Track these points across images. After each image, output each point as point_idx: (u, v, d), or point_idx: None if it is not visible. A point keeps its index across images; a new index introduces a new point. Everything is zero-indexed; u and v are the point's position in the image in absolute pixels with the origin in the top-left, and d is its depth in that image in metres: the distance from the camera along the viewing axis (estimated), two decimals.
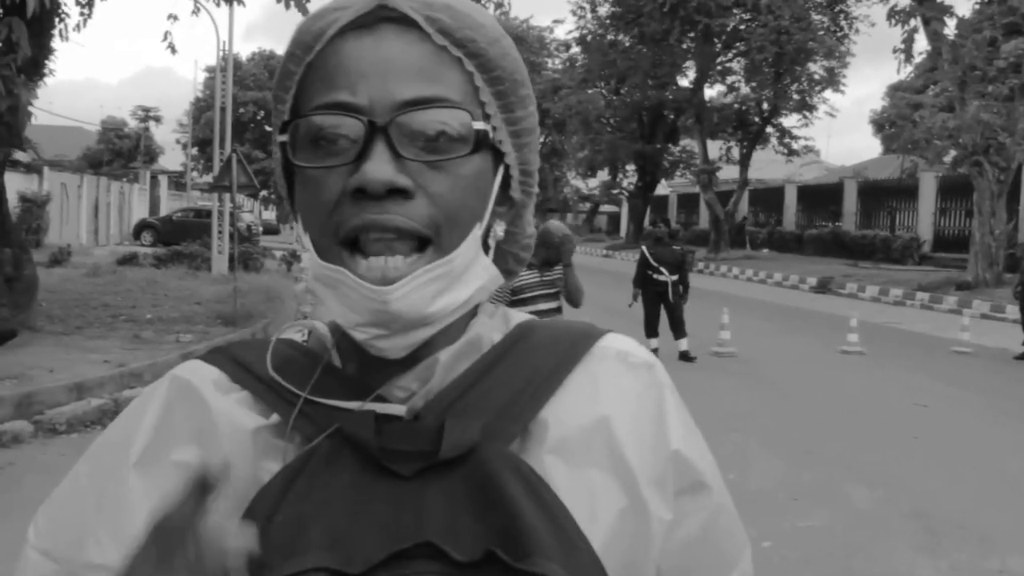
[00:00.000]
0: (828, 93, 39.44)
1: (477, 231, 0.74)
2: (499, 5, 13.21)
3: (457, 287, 0.73)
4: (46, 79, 10.56)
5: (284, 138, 0.74)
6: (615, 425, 0.75)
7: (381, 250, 0.70)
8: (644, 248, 12.13)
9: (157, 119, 63.94)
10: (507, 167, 0.79)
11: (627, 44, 42.27)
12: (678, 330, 11.87)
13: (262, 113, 69.57)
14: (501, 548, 0.65)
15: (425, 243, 0.71)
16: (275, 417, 0.75)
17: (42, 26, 9.45)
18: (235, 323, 12.22)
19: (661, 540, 0.74)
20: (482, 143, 0.73)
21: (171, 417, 0.77)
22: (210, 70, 60.43)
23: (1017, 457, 7.56)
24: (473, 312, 0.80)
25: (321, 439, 0.71)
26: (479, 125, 0.73)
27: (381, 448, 0.70)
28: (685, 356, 11.74)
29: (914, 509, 5.97)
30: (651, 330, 11.76)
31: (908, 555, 5.18)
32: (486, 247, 0.78)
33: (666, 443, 0.77)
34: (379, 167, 0.68)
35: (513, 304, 5.41)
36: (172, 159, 67.27)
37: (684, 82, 42.52)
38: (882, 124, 53.28)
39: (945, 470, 7.05)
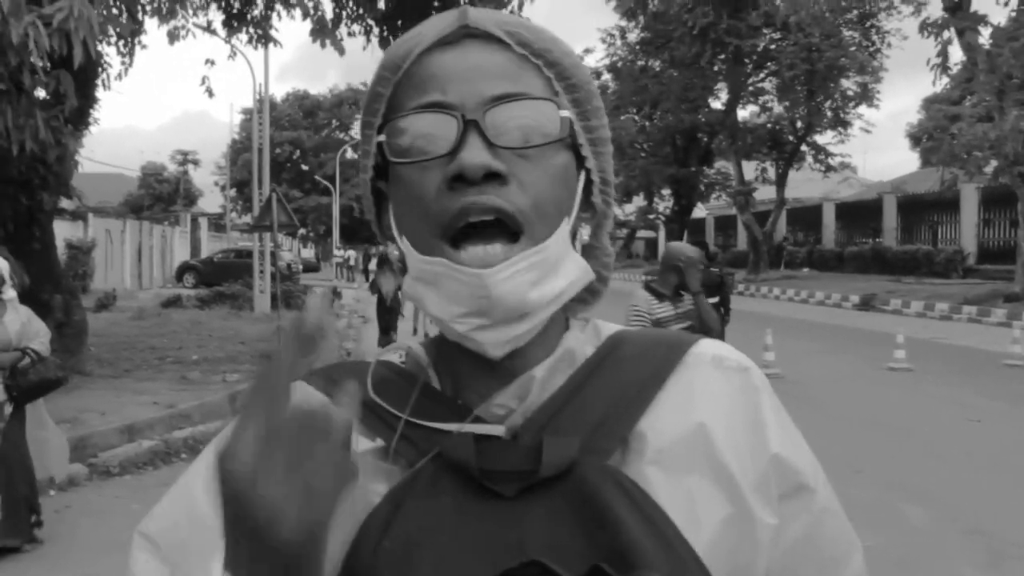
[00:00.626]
0: (862, 109, 39.21)
1: (566, 225, 0.76)
2: None
3: (552, 278, 0.74)
4: (90, 128, 10.84)
5: (382, 138, 0.77)
6: (712, 431, 0.75)
7: (480, 241, 0.72)
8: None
9: (195, 162, 65.14)
10: (588, 172, 0.81)
11: (658, 69, 42.41)
12: None
13: (297, 152, 70.54)
14: (606, 563, 0.66)
15: (518, 235, 0.73)
16: (379, 440, 0.77)
17: (87, 77, 9.73)
18: None
19: (767, 547, 0.74)
20: (568, 132, 0.77)
21: None
22: (246, 112, 61.55)
23: None
24: (566, 326, 0.82)
25: (424, 463, 0.73)
26: (564, 113, 0.76)
27: (481, 469, 0.71)
28: None
29: (971, 527, 5.86)
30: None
31: (968, 573, 5.09)
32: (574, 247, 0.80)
33: (765, 447, 0.77)
34: (475, 153, 0.71)
35: None
36: (211, 201, 68.42)
37: (716, 104, 42.51)
38: (919, 137, 52.72)
39: (1001, 487, 6.92)
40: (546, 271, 0.74)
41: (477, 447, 0.72)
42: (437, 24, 0.78)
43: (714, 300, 11.51)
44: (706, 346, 0.82)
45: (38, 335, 5.71)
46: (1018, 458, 7.85)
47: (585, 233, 0.82)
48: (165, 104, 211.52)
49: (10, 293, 5.73)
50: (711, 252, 11.01)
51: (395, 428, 0.76)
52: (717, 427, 0.76)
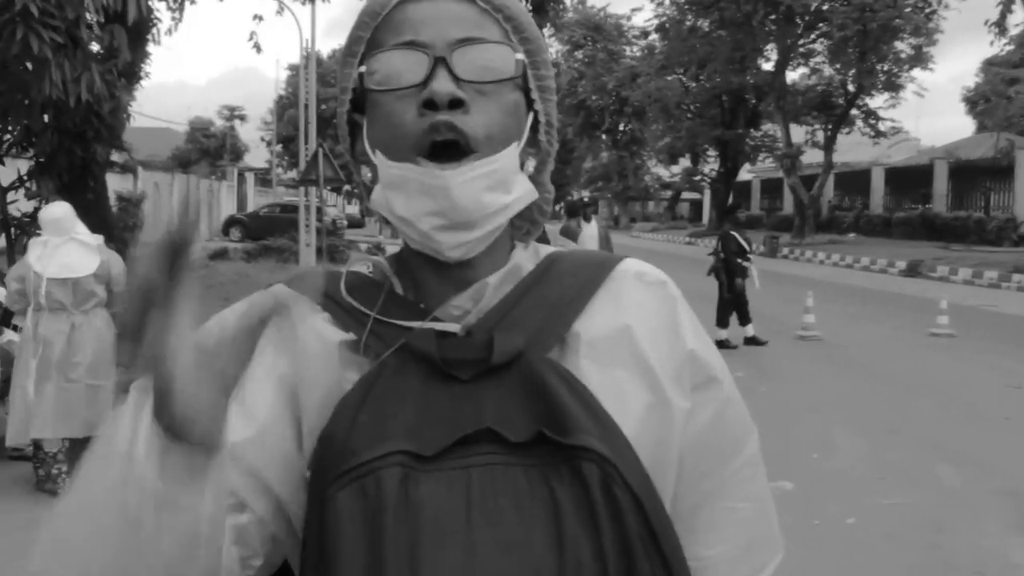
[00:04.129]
0: (916, 72, 38.30)
1: (515, 149, 0.89)
2: None
3: (501, 190, 0.87)
4: (142, 82, 11.04)
5: (363, 68, 0.89)
6: (636, 332, 0.89)
7: (443, 157, 0.84)
8: (736, 234, 11.84)
9: (242, 118, 65.70)
10: (535, 113, 0.94)
11: (707, 29, 41.75)
12: (744, 316, 11.70)
13: None
14: (548, 430, 0.79)
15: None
16: (351, 335, 0.89)
17: (139, 32, 9.90)
18: None
19: (681, 427, 0.88)
20: (521, 73, 0.90)
21: (279, 332, 0.89)
22: (292, 68, 61.70)
23: None
24: (512, 246, 0.96)
25: (390, 353, 0.86)
26: (519, 56, 0.90)
27: (442, 358, 0.84)
28: (755, 340, 11.56)
29: (1004, 488, 5.89)
30: (725, 320, 11.53)
31: (999, 532, 5.14)
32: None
33: (683, 345, 0.91)
34: (443, 84, 0.84)
35: None
36: (257, 156, 69.01)
37: (766, 66, 41.80)
38: (975, 101, 51.51)
39: None
40: (497, 182, 0.86)
41: (437, 342, 0.85)
42: None
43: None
44: (630, 263, 0.96)
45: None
46: None
47: (530, 165, 0.93)
48: (214, 59, 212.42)
49: (86, 235, 5.80)
50: (571, 205, 10.90)
51: (365, 324, 0.89)
52: (640, 328, 0.90)
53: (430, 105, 0.84)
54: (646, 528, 0.78)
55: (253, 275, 17.56)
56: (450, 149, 0.84)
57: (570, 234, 9.42)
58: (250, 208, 43.39)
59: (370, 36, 0.92)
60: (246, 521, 0.84)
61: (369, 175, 0.94)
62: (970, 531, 5.16)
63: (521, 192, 0.90)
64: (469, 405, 0.81)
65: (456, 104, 0.84)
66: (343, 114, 0.95)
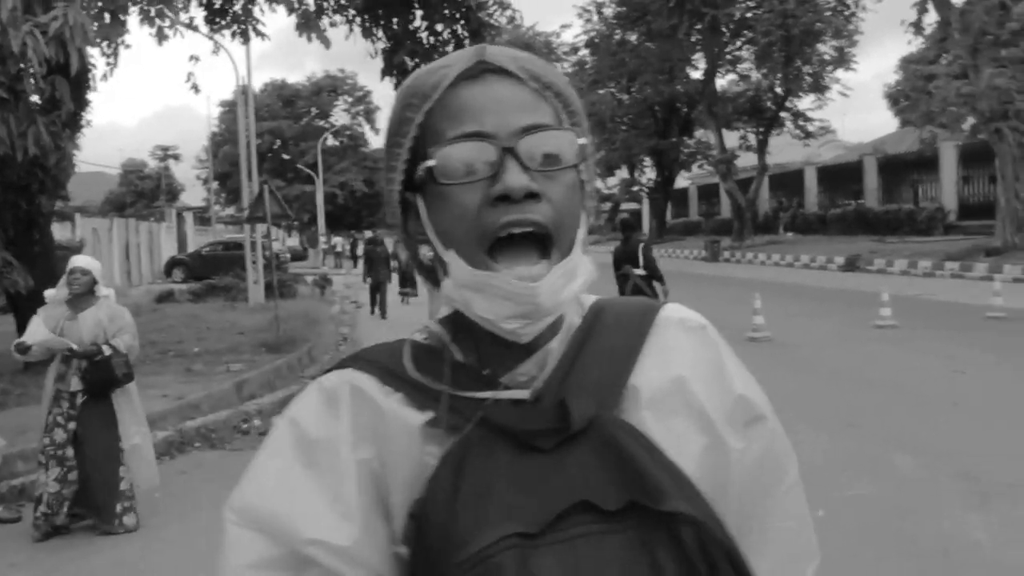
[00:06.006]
0: (839, 72, 39.45)
1: (582, 232, 0.93)
2: (512, 19, 13.50)
3: (573, 280, 0.91)
4: (83, 130, 10.96)
5: (432, 163, 0.90)
6: (688, 381, 0.94)
7: (518, 254, 0.88)
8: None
9: (176, 157, 64.88)
10: (583, 183, 0.96)
11: (635, 42, 42.44)
12: None
13: (278, 142, 70.22)
14: (637, 495, 0.81)
15: (548, 246, 0.89)
16: (429, 413, 0.91)
17: (80, 81, 9.85)
18: (279, 349, 12.53)
19: (736, 465, 0.94)
20: (584, 156, 0.93)
21: (359, 419, 0.92)
22: (224, 104, 61.17)
23: None
24: None
25: (471, 428, 0.88)
26: (582, 140, 0.93)
27: (522, 429, 0.86)
28: None
29: (960, 471, 6.15)
30: None
31: (959, 514, 5.37)
32: None
33: (731, 389, 0.97)
34: (516, 177, 0.87)
35: None
36: (193, 195, 68.25)
37: (695, 74, 42.63)
38: (897, 98, 52.97)
39: (988, 432, 7.22)
40: (571, 276, 0.91)
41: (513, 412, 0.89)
42: (459, 59, 0.93)
43: (641, 272, 10.96)
44: (671, 311, 1.02)
45: (122, 332, 6.01)
46: (1001, 405, 8.18)
47: (582, 233, 0.96)
48: (145, 100, 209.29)
49: (103, 291, 6.11)
50: (625, 222, 10.69)
51: (435, 398, 0.91)
52: (691, 378, 0.95)
53: (504, 198, 0.87)
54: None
55: (202, 315, 17.39)
56: (525, 239, 0.88)
57: None
58: (191, 248, 42.86)
59: (423, 121, 0.93)
60: None
61: (430, 253, 0.96)
62: (932, 515, 5.38)
63: (588, 274, 0.94)
64: (557, 475, 0.84)
65: (529, 196, 0.87)
66: (393, 192, 0.97)
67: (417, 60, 13.40)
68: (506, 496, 0.82)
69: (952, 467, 6.27)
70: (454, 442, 0.88)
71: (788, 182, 42.92)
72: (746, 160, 43.33)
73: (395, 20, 13.37)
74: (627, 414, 0.91)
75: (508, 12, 13.29)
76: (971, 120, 26.35)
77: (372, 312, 19.70)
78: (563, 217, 0.90)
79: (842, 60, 38.33)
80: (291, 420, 0.94)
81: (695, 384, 0.95)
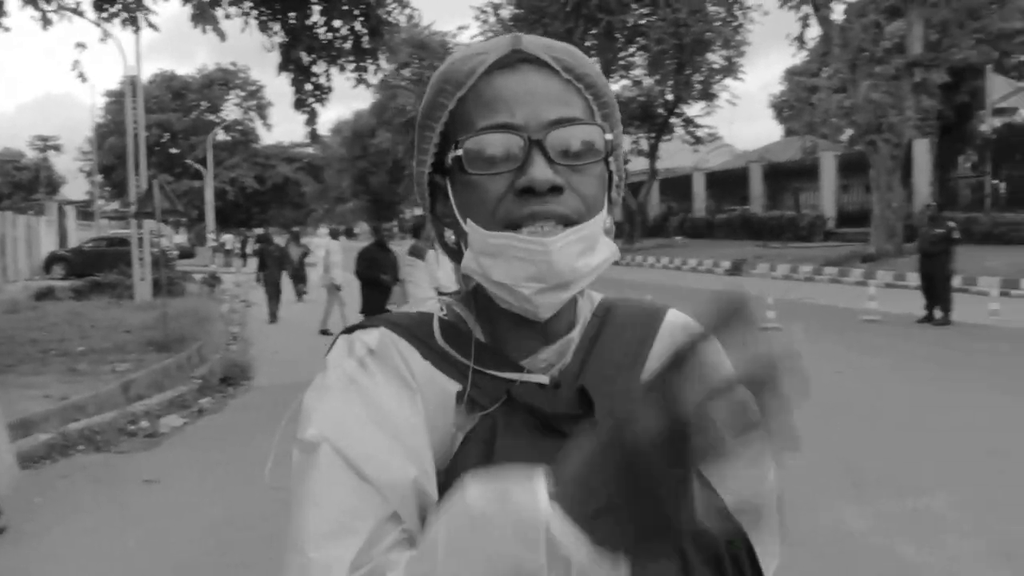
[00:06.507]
0: (728, 81, 40.68)
1: (602, 215, 0.94)
2: (410, 17, 13.48)
3: (592, 253, 0.92)
4: None
5: (460, 152, 0.91)
6: None
7: (538, 231, 0.89)
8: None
9: (57, 148, 62.22)
10: (610, 173, 0.98)
11: None
12: None
13: (167, 135, 68.07)
14: None
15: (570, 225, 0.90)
16: (457, 384, 0.93)
17: None
18: (168, 348, 12.19)
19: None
20: (611, 150, 0.95)
21: (402, 372, 0.92)
22: (110, 94, 58.97)
23: (929, 411, 8.19)
24: (576, 298, 1.01)
25: (497, 406, 0.91)
26: (609, 136, 0.94)
27: (547, 412, 0.89)
28: None
29: (839, 467, 6.46)
30: None
31: (836, 506, 5.64)
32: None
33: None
34: (542, 171, 0.88)
35: None
36: (75, 188, 65.53)
37: None
38: (781, 108, 54.90)
39: (864, 429, 7.62)
40: (588, 245, 0.91)
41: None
42: (494, 47, 0.94)
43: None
44: (675, 315, 1.07)
45: None
46: (875, 402, 8.64)
47: (609, 221, 0.97)
48: (23, 85, 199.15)
49: None
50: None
51: (461, 372, 0.94)
52: None
53: (528, 191, 0.88)
54: (750, 558, 0.93)
55: (86, 313, 16.75)
56: (548, 220, 0.90)
57: (418, 253, 9.30)
58: (72, 243, 41.13)
59: (456, 107, 0.94)
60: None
61: (452, 237, 0.97)
62: (810, 508, 5.59)
63: (607, 253, 0.94)
64: None
65: (554, 190, 0.89)
66: (423, 174, 0.99)
67: (315, 56, 13.26)
68: None
69: (833, 463, 6.56)
70: (479, 418, 0.91)
71: (678, 187, 43.97)
72: (637, 164, 44.20)
73: (292, 15, 13.19)
74: None
75: (407, 11, 13.28)
76: (849, 131, 27.52)
77: (273, 319, 17.97)
78: (588, 210, 0.91)
79: (730, 69, 39.55)
80: (338, 367, 0.93)
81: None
